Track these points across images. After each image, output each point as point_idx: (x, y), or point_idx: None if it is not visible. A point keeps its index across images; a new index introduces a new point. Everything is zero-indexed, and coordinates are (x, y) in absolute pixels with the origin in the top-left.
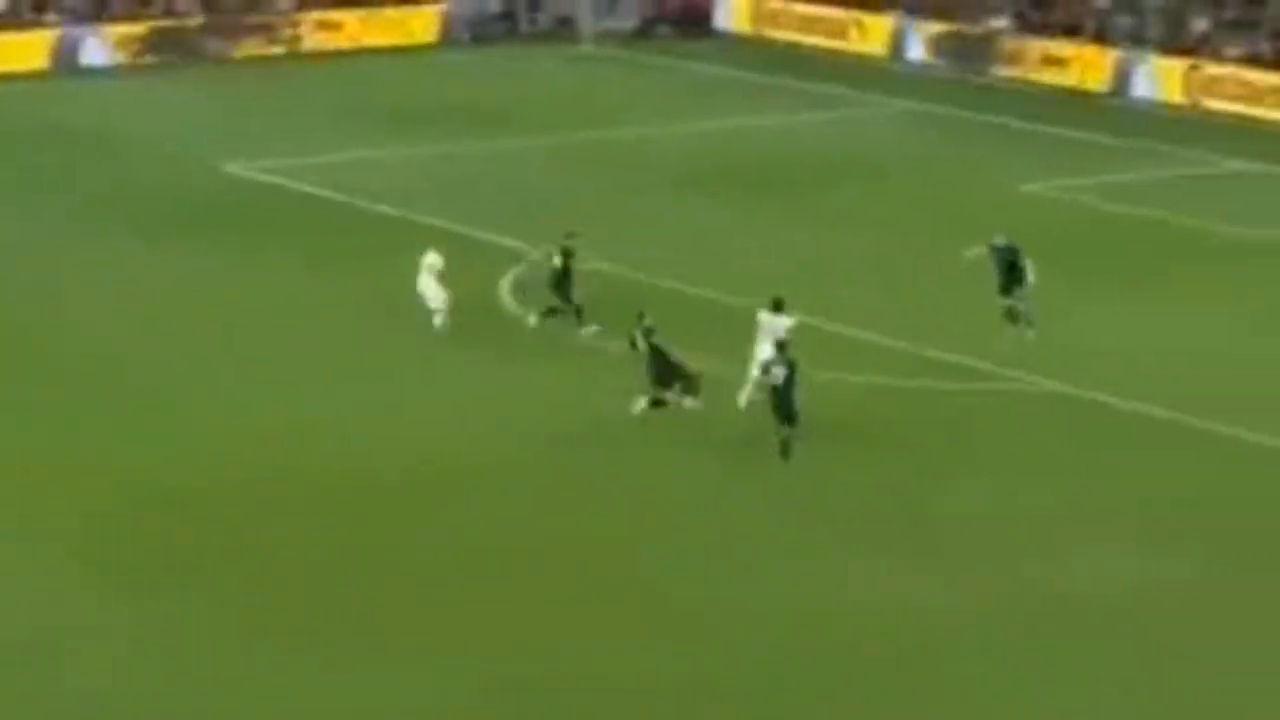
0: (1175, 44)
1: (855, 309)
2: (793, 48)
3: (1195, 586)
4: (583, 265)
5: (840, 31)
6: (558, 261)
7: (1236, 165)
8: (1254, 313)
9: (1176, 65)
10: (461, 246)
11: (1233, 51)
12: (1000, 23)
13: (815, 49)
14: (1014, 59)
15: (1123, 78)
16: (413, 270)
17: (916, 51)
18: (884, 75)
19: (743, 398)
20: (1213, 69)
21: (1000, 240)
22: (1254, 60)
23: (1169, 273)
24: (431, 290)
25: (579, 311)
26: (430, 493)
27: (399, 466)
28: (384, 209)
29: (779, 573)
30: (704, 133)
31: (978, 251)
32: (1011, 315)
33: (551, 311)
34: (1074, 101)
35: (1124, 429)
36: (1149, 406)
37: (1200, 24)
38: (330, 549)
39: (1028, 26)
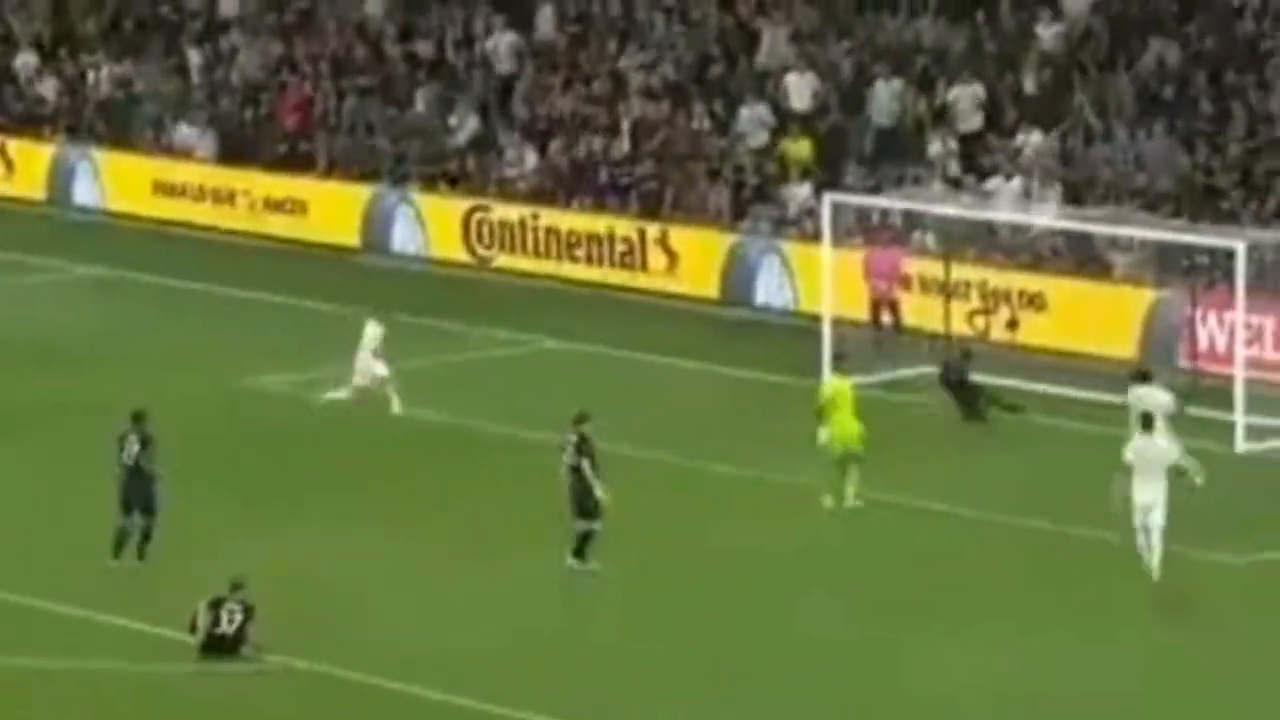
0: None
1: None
2: None
3: None
4: None
5: None
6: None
7: (551, 344)
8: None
9: (453, 206)
10: None
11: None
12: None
13: None
14: (221, 198)
15: (380, 223)
16: None
17: (89, 193)
18: (47, 227)
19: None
20: (500, 209)
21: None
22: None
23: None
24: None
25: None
26: None
27: None
28: None
29: None
30: None
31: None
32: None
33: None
34: (310, 262)
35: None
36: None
37: (466, 134)
38: None
39: (230, 155)
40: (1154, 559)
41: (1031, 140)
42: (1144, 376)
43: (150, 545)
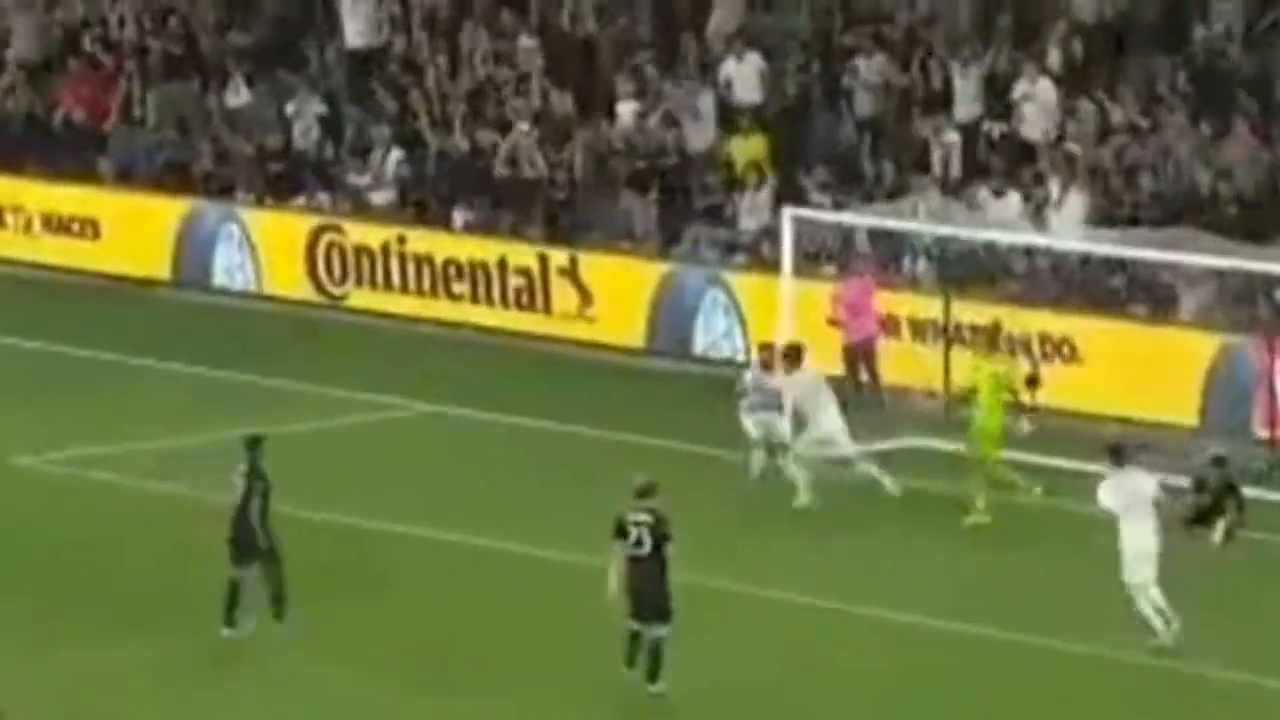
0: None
1: None
2: None
3: None
4: None
5: None
6: None
7: (425, 408)
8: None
9: (293, 225)
10: None
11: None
12: None
13: None
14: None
15: (196, 248)
16: None
17: None
18: None
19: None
20: (356, 231)
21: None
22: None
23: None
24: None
25: None
26: None
27: None
28: None
29: None
30: None
31: None
32: None
33: None
34: (105, 299)
35: None
36: None
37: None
38: None
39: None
40: (1157, 621)
41: (1048, 131)
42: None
43: (285, 602)
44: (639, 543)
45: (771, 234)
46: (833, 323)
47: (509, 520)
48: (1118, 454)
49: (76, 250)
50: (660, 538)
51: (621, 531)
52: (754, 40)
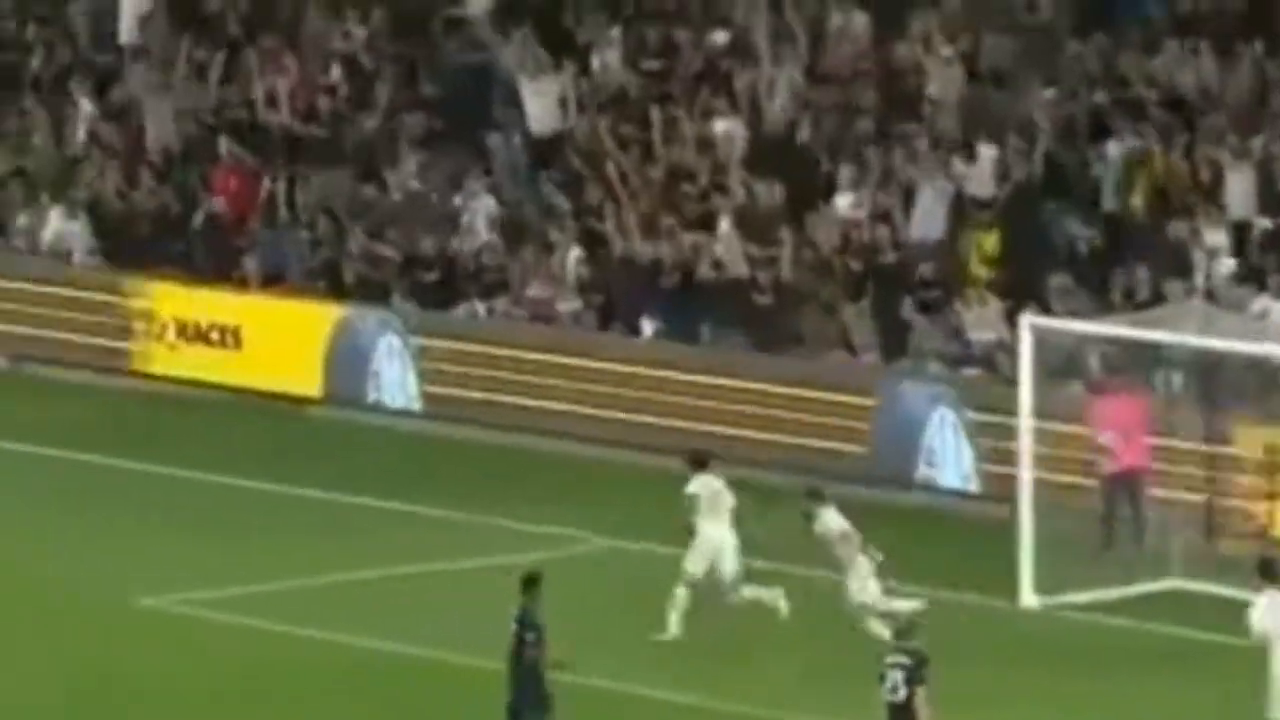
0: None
1: None
2: None
3: None
4: None
5: None
6: None
7: (605, 542)
8: None
9: (462, 332)
10: None
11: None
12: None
13: None
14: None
15: (351, 361)
16: None
17: None
18: None
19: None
20: (534, 341)
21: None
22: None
23: None
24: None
25: None
26: None
27: None
28: None
29: None
30: None
31: None
32: None
33: None
34: (246, 419)
35: None
36: None
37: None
38: None
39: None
40: None
41: None
42: None
43: None
44: (894, 689)
45: (1007, 345)
46: (1101, 449)
47: (716, 674)
48: (1268, 570)
49: (215, 362)
50: (912, 681)
51: (881, 676)
52: (987, 128)
